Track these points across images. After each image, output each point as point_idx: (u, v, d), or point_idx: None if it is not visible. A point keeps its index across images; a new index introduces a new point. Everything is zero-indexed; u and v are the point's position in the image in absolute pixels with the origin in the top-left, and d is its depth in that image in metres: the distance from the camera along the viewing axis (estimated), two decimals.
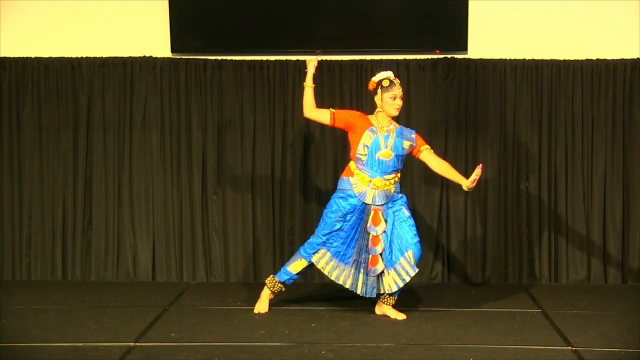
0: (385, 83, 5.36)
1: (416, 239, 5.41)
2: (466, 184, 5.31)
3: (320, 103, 6.45)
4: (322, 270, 5.52)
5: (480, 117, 6.60)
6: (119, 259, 6.70)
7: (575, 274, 6.61)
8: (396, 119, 5.52)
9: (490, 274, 6.63)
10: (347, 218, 5.41)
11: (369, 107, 5.73)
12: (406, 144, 5.42)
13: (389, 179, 5.38)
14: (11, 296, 6.07)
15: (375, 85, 5.41)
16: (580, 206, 6.59)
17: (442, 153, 6.58)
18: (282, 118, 6.66)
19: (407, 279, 5.40)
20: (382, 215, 5.39)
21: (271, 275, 5.65)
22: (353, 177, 5.41)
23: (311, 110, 5.44)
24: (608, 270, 6.61)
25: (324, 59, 6.62)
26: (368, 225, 5.40)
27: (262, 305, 5.62)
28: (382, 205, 5.39)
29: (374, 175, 5.36)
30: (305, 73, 5.49)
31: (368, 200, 5.37)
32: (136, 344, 4.85)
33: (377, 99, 5.40)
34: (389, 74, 5.42)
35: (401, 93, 5.39)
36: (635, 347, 4.82)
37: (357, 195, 5.38)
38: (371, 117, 5.45)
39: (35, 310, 5.63)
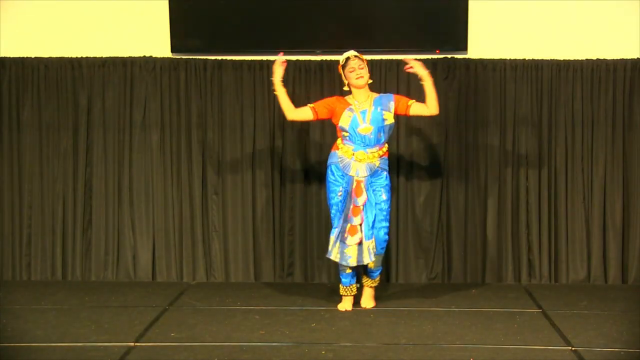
0: (342, 61, 5.58)
1: (383, 224, 5.57)
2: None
3: None
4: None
5: (480, 117, 6.60)
6: (119, 259, 6.70)
7: (575, 274, 6.61)
8: (375, 89, 5.67)
9: (490, 274, 6.63)
10: (344, 193, 5.57)
11: None
12: (387, 115, 5.57)
13: (372, 152, 5.54)
14: (11, 296, 6.08)
15: (339, 69, 5.64)
16: (580, 206, 6.59)
17: (442, 153, 6.59)
18: (282, 118, 6.60)
19: (373, 258, 5.51)
20: (364, 187, 5.53)
21: (340, 286, 5.73)
22: (339, 150, 5.60)
23: (292, 112, 5.65)
24: (608, 270, 6.60)
25: (324, 59, 6.62)
26: (353, 196, 5.52)
27: (347, 305, 5.70)
28: (364, 177, 5.52)
29: (357, 148, 5.53)
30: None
31: (352, 173, 5.53)
32: (136, 344, 4.86)
33: (343, 79, 5.62)
34: (348, 53, 5.59)
35: (360, 63, 5.55)
36: (635, 347, 4.83)
37: (342, 168, 5.54)
38: (348, 98, 5.64)
39: (35, 310, 5.63)
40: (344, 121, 5.52)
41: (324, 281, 6.63)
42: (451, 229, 6.64)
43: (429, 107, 5.57)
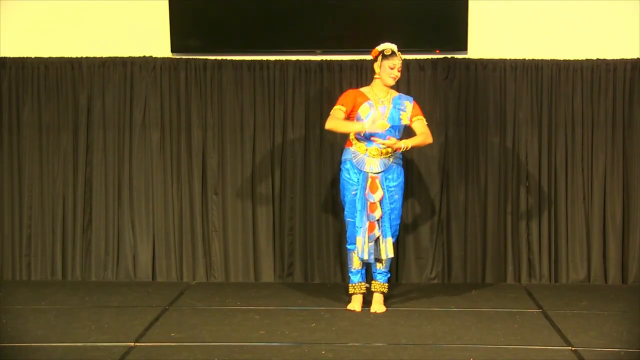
0: (387, 52, 5.52)
1: (397, 221, 5.64)
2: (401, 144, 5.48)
3: (320, 103, 6.50)
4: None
5: (480, 117, 6.60)
6: (119, 259, 6.70)
7: (575, 274, 6.61)
8: (395, 87, 5.64)
9: (490, 274, 6.63)
10: (357, 190, 5.54)
11: None
12: (403, 116, 5.58)
13: (385, 149, 5.50)
14: (11, 296, 6.08)
15: (377, 53, 5.55)
16: (580, 206, 6.59)
17: (442, 153, 6.60)
18: (282, 118, 6.65)
19: (391, 255, 5.59)
20: (380, 183, 5.52)
21: (349, 285, 5.73)
22: (352, 146, 5.57)
23: (329, 122, 5.55)
24: (608, 270, 6.60)
25: (324, 59, 6.62)
26: (366, 192, 5.51)
27: (356, 305, 5.68)
28: (378, 173, 5.51)
29: (370, 144, 5.50)
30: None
31: (365, 169, 5.52)
32: (136, 344, 4.86)
33: (376, 66, 5.55)
34: (394, 46, 5.54)
35: (400, 66, 5.54)
36: (635, 347, 4.83)
37: (355, 164, 5.53)
38: (366, 89, 5.61)
39: (35, 310, 5.63)
40: (362, 113, 5.49)
41: (324, 281, 6.63)
42: (451, 229, 6.64)
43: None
